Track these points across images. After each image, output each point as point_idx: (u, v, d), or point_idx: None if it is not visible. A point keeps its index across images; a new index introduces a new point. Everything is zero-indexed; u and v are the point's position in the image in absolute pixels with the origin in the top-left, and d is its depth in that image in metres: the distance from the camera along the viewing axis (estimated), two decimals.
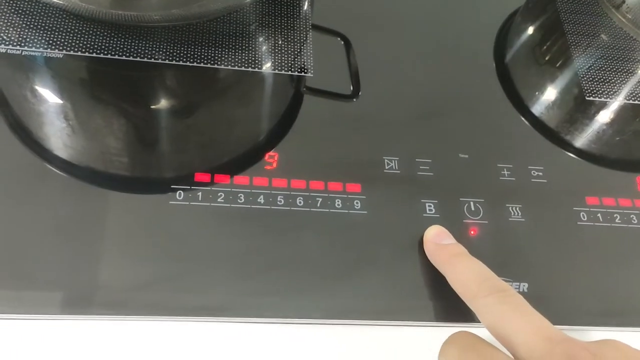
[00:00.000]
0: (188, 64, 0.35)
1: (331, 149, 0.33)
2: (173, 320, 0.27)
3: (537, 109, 0.38)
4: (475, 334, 0.24)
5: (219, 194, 0.30)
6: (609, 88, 0.39)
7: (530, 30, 0.44)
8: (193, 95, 0.35)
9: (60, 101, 0.33)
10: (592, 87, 0.39)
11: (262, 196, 0.30)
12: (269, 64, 0.36)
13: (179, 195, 0.30)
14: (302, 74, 0.36)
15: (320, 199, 0.31)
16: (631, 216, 0.33)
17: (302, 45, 0.37)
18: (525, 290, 0.30)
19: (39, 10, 0.35)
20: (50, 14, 0.35)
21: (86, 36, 0.35)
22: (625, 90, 0.39)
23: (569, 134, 0.37)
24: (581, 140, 0.37)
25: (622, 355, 0.22)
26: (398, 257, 0.30)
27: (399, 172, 0.33)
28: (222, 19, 0.37)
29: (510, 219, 0.32)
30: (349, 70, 0.37)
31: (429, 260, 0.30)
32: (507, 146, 0.35)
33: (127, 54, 0.34)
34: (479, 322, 0.28)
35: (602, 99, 0.39)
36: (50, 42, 0.34)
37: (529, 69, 0.42)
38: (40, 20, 0.35)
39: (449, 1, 0.44)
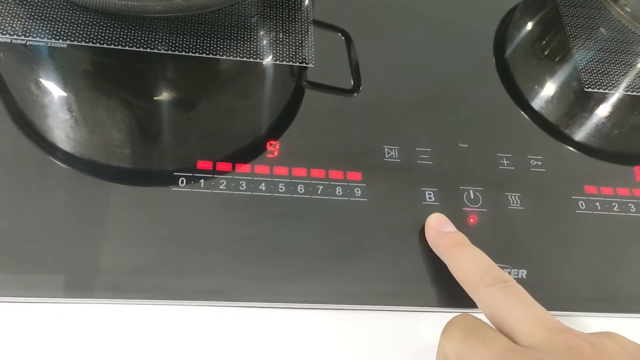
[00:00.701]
0: (190, 54, 0.35)
1: (332, 139, 0.34)
2: (175, 303, 0.27)
3: (536, 101, 0.39)
4: (478, 318, 0.25)
5: (221, 181, 0.30)
6: (607, 80, 0.40)
7: (530, 24, 0.44)
8: (196, 86, 0.36)
9: (63, 93, 0.34)
10: (590, 79, 0.40)
11: (263, 184, 0.31)
12: (270, 55, 0.37)
13: (182, 182, 0.30)
14: (304, 64, 0.37)
15: (321, 187, 0.31)
16: (629, 205, 0.33)
17: (304, 37, 0.38)
18: (524, 276, 0.30)
19: (43, 1, 0.35)
20: (54, 5, 0.35)
21: (89, 27, 0.35)
22: (623, 82, 0.40)
23: (568, 125, 0.38)
24: (580, 131, 0.37)
25: (620, 348, 0.22)
26: (398, 244, 0.30)
27: (399, 160, 0.33)
28: (224, 10, 0.37)
29: (509, 207, 0.32)
30: (349, 65, 0.38)
31: (428, 247, 0.30)
32: (506, 136, 0.36)
33: (130, 45, 0.35)
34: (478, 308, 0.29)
35: (601, 91, 0.39)
36: (54, 32, 0.34)
37: (528, 62, 0.42)
38: (44, 11, 0.35)
39: None
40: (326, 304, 0.29)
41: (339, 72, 0.37)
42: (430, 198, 0.32)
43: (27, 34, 0.34)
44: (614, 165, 0.36)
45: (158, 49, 0.35)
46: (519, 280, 0.29)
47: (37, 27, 0.34)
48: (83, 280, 0.27)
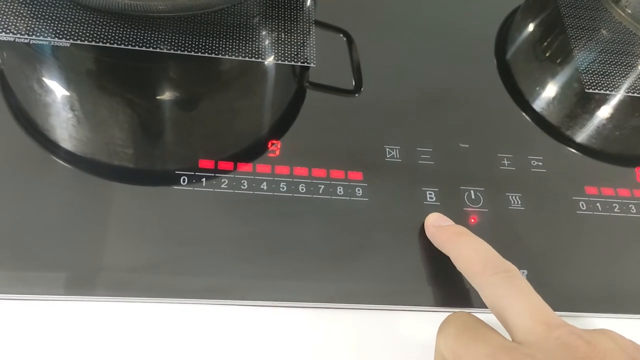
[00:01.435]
0: (193, 53, 0.35)
1: (333, 138, 0.34)
2: (176, 302, 0.28)
3: (537, 102, 0.39)
4: (474, 315, 0.25)
5: (222, 180, 0.31)
6: (608, 81, 0.40)
7: (531, 26, 0.44)
8: (198, 85, 0.36)
9: (66, 91, 0.34)
10: (591, 80, 0.40)
11: (265, 183, 0.31)
12: (272, 55, 0.37)
13: (183, 181, 0.30)
14: (305, 64, 0.37)
15: (323, 186, 0.31)
16: (630, 206, 0.34)
17: (305, 37, 0.38)
18: (525, 276, 0.30)
19: (46, 0, 0.36)
20: (57, 4, 0.36)
21: (92, 26, 0.35)
22: (624, 84, 0.40)
23: (569, 126, 0.38)
24: (580, 132, 0.37)
25: (615, 345, 0.23)
26: (398, 243, 0.30)
27: (400, 160, 0.33)
28: (226, 10, 0.38)
29: (510, 207, 0.32)
30: (351, 65, 0.38)
31: (428, 246, 0.30)
32: (507, 137, 0.36)
33: (133, 44, 0.35)
34: (477, 306, 0.29)
35: (602, 92, 0.39)
36: (57, 31, 0.35)
37: (529, 63, 0.42)
38: (48, 10, 0.35)
39: None
40: (327, 303, 0.29)
41: (341, 73, 0.37)
42: (431, 198, 0.32)
43: (31, 33, 0.34)
44: (614, 166, 0.36)
45: (160, 49, 0.35)
46: None
47: (40, 26, 0.35)
48: (84, 278, 0.27)
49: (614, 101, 0.39)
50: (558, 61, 0.41)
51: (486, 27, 0.43)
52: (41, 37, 0.34)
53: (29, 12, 0.35)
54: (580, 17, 0.43)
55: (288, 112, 0.35)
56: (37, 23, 0.35)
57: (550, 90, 0.40)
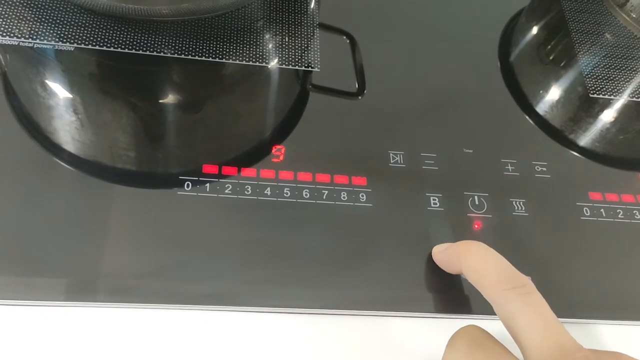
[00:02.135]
0: (197, 58, 0.35)
1: (337, 143, 0.34)
2: (179, 308, 0.27)
3: (541, 106, 0.39)
4: (485, 330, 0.24)
5: (226, 186, 0.31)
6: (612, 86, 0.40)
7: (535, 29, 0.44)
8: (201, 90, 0.36)
9: (69, 95, 0.34)
10: (596, 84, 0.40)
11: (268, 188, 0.31)
12: (276, 60, 0.37)
13: (187, 186, 0.30)
14: (309, 69, 0.37)
15: (326, 192, 0.31)
16: (634, 212, 0.33)
17: (309, 41, 0.38)
18: None
19: (50, 4, 0.36)
20: (61, 8, 0.36)
21: (96, 30, 0.35)
22: (629, 88, 0.40)
23: (573, 130, 0.38)
24: (585, 137, 0.37)
25: None
26: (402, 249, 0.30)
27: (404, 166, 0.33)
28: (230, 14, 0.38)
29: (514, 213, 0.32)
30: (354, 68, 0.38)
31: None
32: (511, 142, 0.36)
33: (137, 48, 0.35)
34: (482, 314, 0.29)
35: (606, 97, 0.39)
36: (61, 35, 0.35)
37: (533, 67, 0.42)
38: (52, 14, 0.35)
39: (454, 0, 0.44)
40: (330, 310, 0.29)
41: (344, 76, 0.37)
42: (435, 203, 0.32)
43: (35, 37, 0.34)
44: (619, 171, 0.36)
45: (164, 53, 0.35)
46: None
47: (44, 30, 0.35)
48: (87, 283, 0.27)
49: (619, 105, 0.39)
50: (562, 65, 0.41)
51: (490, 29, 0.43)
52: (45, 41, 0.34)
53: (33, 15, 0.35)
54: (584, 21, 0.43)
55: (291, 116, 0.35)
56: (41, 27, 0.35)
57: (554, 94, 0.40)
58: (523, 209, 0.33)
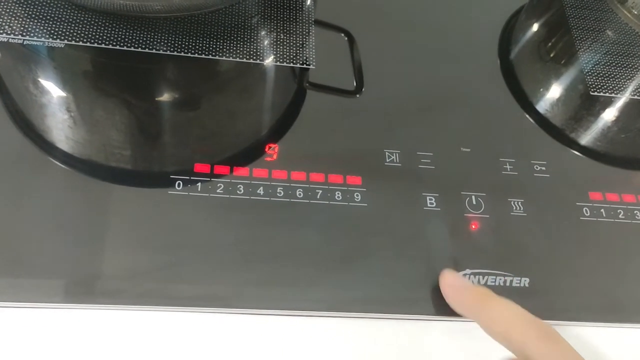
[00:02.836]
0: (190, 55, 0.35)
1: (332, 142, 0.33)
2: (171, 310, 0.27)
3: (541, 104, 0.38)
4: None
5: (218, 185, 0.30)
6: (613, 83, 0.39)
7: (535, 26, 0.44)
8: (195, 87, 0.35)
9: (61, 93, 0.33)
10: (596, 82, 0.39)
11: (261, 187, 0.30)
12: (271, 57, 0.36)
13: (178, 186, 0.30)
14: (304, 66, 0.36)
15: (320, 191, 0.31)
16: (635, 212, 0.33)
17: (305, 38, 0.37)
18: (527, 285, 0.29)
19: (41, 1, 0.35)
20: (52, 4, 0.35)
21: (88, 26, 0.34)
22: (630, 86, 0.39)
23: (573, 129, 0.37)
24: (585, 136, 0.37)
25: None
26: (398, 250, 0.30)
27: (400, 165, 0.32)
28: (224, 10, 0.37)
29: (512, 213, 0.32)
30: (352, 66, 0.37)
31: (428, 254, 0.29)
32: (510, 141, 0.35)
33: (129, 45, 0.34)
34: None
35: (607, 95, 0.38)
36: (52, 32, 0.34)
37: (533, 65, 0.41)
38: (43, 11, 0.35)
39: None
40: (324, 312, 0.28)
41: (341, 73, 0.37)
42: (431, 203, 0.31)
43: (25, 34, 0.34)
44: (619, 170, 0.35)
45: (157, 50, 0.34)
46: (521, 289, 0.29)
47: (34, 27, 0.34)
48: (75, 285, 0.27)
49: (620, 104, 0.39)
50: (562, 62, 0.41)
51: (490, 27, 0.42)
52: (35, 38, 0.34)
53: (23, 12, 0.35)
54: (585, 17, 0.42)
55: (286, 114, 0.35)
56: (32, 23, 0.34)
57: (554, 92, 0.39)
58: (521, 209, 0.32)
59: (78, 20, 0.35)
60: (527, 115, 0.37)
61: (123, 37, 0.34)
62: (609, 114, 0.38)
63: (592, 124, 0.38)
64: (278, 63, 0.36)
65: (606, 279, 0.31)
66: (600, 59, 0.40)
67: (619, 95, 0.39)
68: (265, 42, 0.37)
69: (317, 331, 0.28)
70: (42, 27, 0.34)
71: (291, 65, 0.36)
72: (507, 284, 0.29)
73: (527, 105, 0.38)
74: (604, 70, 0.40)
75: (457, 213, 0.31)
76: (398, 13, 0.41)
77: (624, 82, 0.39)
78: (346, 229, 0.30)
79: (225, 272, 0.28)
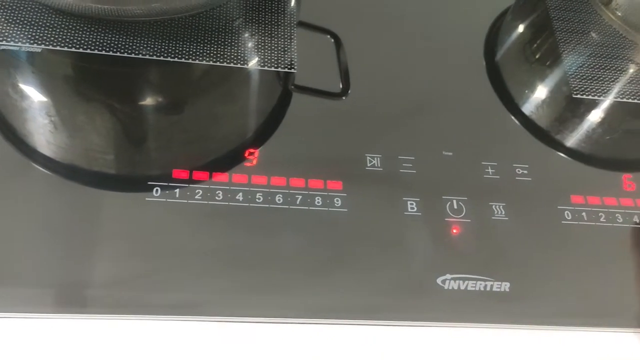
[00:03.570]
0: (170, 59, 0.34)
1: (314, 146, 0.33)
2: (147, 318, 0.27)
3: (526, 107, 0.38)
4: None
5: (196, 191, 0.30)
6: (597, 86, 0.39)
7: (521, 27, 0.43)
8: (177, 92, 0.35)
9: (42, 97, 0.33)
10: (580, 84, 0.39)
11: (240, 193, 0.30)
12: (253, 61, 0.36)
13: (156, 192, 0.29)
14: (287, 70, 0.36)
15: (300, 197, 0.30)
16: (616, 215, 0.33)
17: (288, 42, 0.37)
18: (507, 289, 0.29)
19: (19, 4, 0.35)
20: (30, 9, 0.35)
21: (66, 31, 0.34)
22: (614, 88, 0.39)
23: (556, 132, 0.37)
24: (568, 139, 0.37)
25: None
26: (378, 256, 0.30)
27: (381, 169, 0.32)
28: (206, 14, 0.37)
29: (493, 217, 0.32)
30: (338, 68, 0.37)
31: (408, 260, 0.29)
32: (492, 144, 0.35)
33: (108, 49, 0.34)
34: (459, 321, 0.28)
35: (590, 97, 0.38)
36: (30, 36, 0.34)
37: (519, 66, 0.41)
38: (20, 15, 0.34)
39: None
40: (304, 319, 0.28)
41: (328, 75, 0.36)
42: (412, 208, 0.31)
43: (2, 38, 0.33)
44: (601, 174, 0.35)
45: (136, 54, 0.34)
46: (502, 294, 0.29)
47: (11, 31, 0.34)
48: (50, 294, 0.26)
49: (603, 106, 0.38)
50: (547, 64, 0.41)
51: (477, 28, 0.42)
52: (12, 43, 0.33)
53: (0, 16, 0.34)
54: (569, 19, 0.42)
55: (269, 118, 0.34)
56: (9, 28, 0.34)
57: (539, 94, 0.39)
58: (503, 212, 0.32)
59: (56, 25, 0.34)
60: (512, 118, 0.37)
61: (102, 41, 0.34)
62: (592, 117, 0.38)
63: (575, 126, 0.37)
64: (260, 67, 0.36)
65: (587, 283, 0.30)
66: (584, 61, 0.40)
67: (601, 97, 0.38)
68: (248, 46, 0.37)
69: (296, 338, 0.27)
70: (19, 32, 0.34)
71: (273, 69, 0.36)
72: (488, 288, 0.29)
73: (512, 108, 0.38)
74: (587, 73, 0.40)
75: (438, 218, 0.31)
76: (384, 15, 0.41)
77: (607, 84, 0.39)
78: (326, 235, 0.30)
79: (203, 279, 0.28)
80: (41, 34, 0.34)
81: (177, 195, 0.29)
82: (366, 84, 0.37)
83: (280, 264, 0.29)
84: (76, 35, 0.34)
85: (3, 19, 0.34)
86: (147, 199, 0.29)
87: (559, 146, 0.36)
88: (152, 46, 0.34)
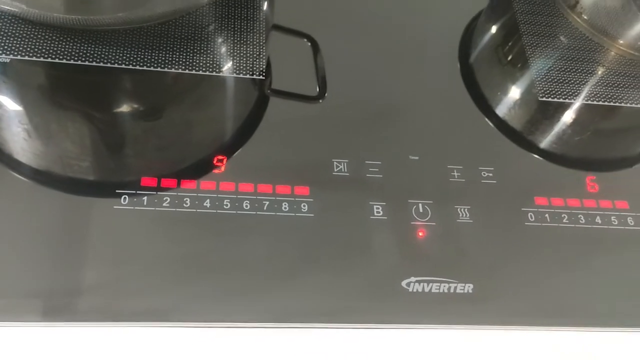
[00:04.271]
0: (139, 67, 0.35)
1: (282, 152, 0.33)
2: (115, 325, 0.27)
3: (495, 110, 0.39)
4: None
5: (164, 199, 0.30)
6: (563, 89, 0.40)
7: (494, 29, 0.44)
8: (149, 99, 0.35)
9: (15, 106, 0.33)
10: (546, 87, 0.39)
11: (208, 200, 0.30)
12: (225, 68, 0.36)
13: (124, 200, 0.30)
14: (257, 77, 0.36)
15: (267, 202, 0.31)
16: (579, 216, 0.33)
17: (260, 49, 0.37)
18: (470, 291, 0.30)
19: None
20: None
21: (36, 40, 0.34)
22: (579, 91, 0.40)
23: (523, 134, 0.37)
24: (534, 141, 0.37)
25: None
26: (344, 260, 0.30)
27: (347, 174, 0.33)
28: (176, 22, 0.37)
29: (458, 220, 0.32)
30: (315, 71, 0.37)
31: (373, 263, 0.30)
32: (459, 148, 0.35)
33: (77, 58, 0.34)
34: (424, 323, 0.29)
35: (556, 100, 0.39)
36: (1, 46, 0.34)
37: (491, 68, 0.42)
38: None
39: (415, 2, 0.44)
40: (272, 323, 0.28)
41: (303, 79, 0.37)
42: (378, 212, 0.32)
43: None
44: (566, 175, 0.36)
45: (105, 63, 0.34)
46: (465, 295, 0.30)
47: None
48: (15, 302, 0.26)
49: (569, 109, 0.39)
50: (518, 66, 0.41)
51: (452, 30, 0.43)
52: None
53: None
54: (536, 23, 0.43)
55: (242, 124, 0.35)
56: None
57: (508, 97, 0.40)
58: (467, 215, 0.32)
59: (25, 35, 0.34)
60: (485, 120, 0.38)
61: (72, 50, 0.34)
62: (558, 119, 0.39)
63: (541, 129, 0.38)
64: (231, 75, 0.36)
65: (549, 284, 0.31)
66: (551, 64, 0.41)
67: (568, 100, 0.39)
68: (219, 54, 0.37)
69: (264, 343, 0.28)
70: None
71: (243, 76, 0.36)
72: (451, 290, 0.30)
73: (486, 111, 0.38)
74: (554, 76, 0.40)
75: (403, 221, 0.32)
76: (360, 17, 0.41)
77: (574, 87, 0.40)
78: (292, 240, 0.30)
79: (171, 286, 0.28)
80: (10, 44, 0.34)
81: (145, 203, 0.30)
82: (340, 88, 0.37)
83: (247, 270, 0.29)
84: (45, 44, 0.34)
85: None
86: (115, 207, 0.29)
87: (525, 148, 0.37)
88: (123, 55, 0.35)
